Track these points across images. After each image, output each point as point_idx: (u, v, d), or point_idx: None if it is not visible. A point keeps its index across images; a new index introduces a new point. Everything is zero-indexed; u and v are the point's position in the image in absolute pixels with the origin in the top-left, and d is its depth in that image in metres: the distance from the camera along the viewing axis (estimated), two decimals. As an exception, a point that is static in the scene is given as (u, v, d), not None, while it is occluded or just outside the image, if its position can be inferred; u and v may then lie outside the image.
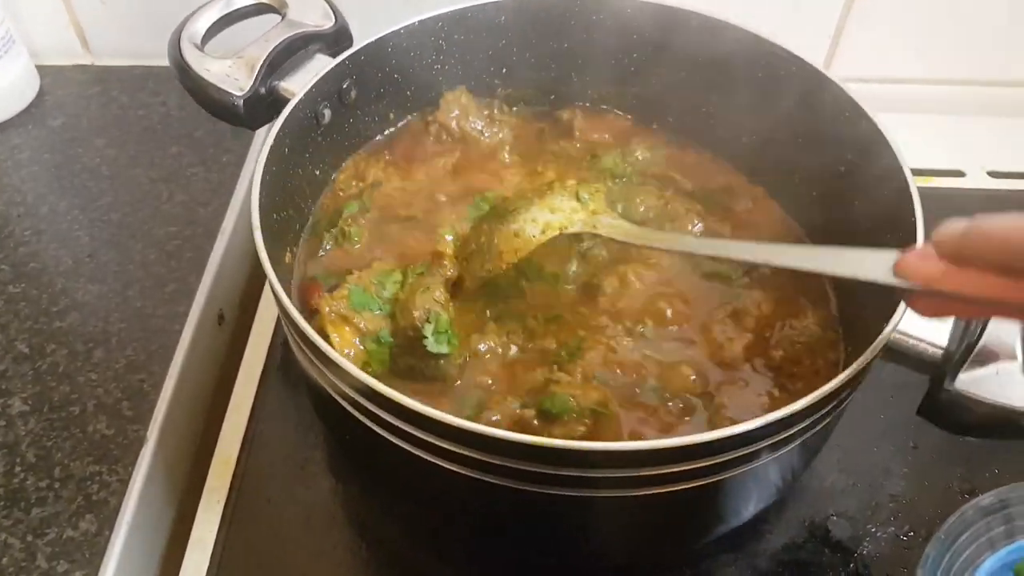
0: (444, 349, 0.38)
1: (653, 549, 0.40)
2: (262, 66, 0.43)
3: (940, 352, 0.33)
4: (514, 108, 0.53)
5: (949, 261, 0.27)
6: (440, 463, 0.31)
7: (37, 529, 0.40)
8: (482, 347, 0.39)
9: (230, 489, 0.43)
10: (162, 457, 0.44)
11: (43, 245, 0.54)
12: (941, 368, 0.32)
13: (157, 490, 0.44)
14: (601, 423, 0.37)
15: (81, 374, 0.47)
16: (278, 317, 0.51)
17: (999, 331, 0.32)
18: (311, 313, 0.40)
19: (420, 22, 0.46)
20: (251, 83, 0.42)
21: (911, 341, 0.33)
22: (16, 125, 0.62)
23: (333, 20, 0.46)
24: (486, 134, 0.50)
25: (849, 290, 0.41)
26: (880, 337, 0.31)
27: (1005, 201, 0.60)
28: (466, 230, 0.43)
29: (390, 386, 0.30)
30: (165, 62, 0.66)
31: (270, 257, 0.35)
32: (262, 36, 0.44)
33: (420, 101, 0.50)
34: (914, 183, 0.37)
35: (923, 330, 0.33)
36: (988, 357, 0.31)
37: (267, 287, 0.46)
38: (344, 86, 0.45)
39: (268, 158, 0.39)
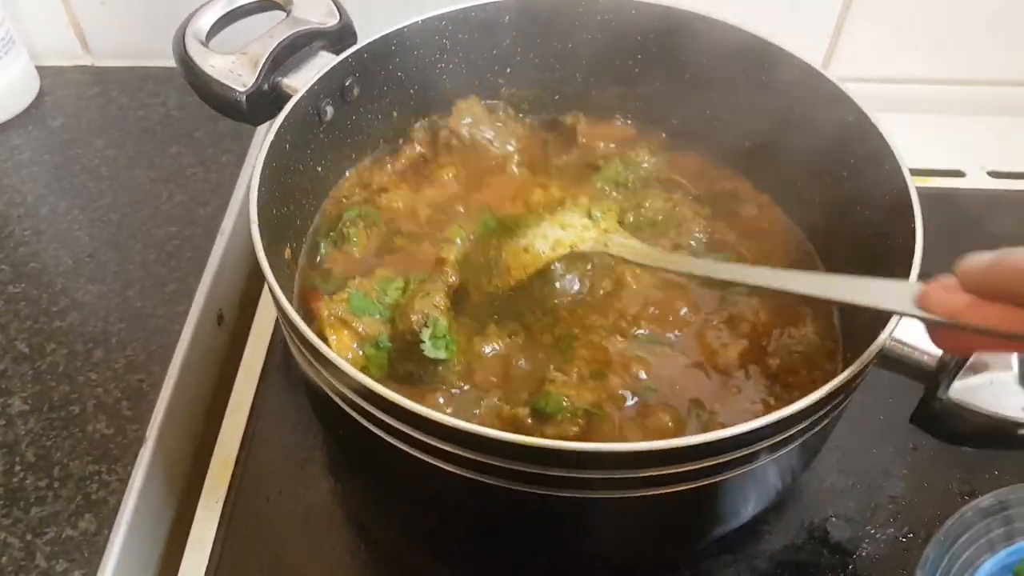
0: (442, 354, 0.38)
1: (652, 550, 0.40)
2: (265, 62, 0.43)
3: (935, 360, 0.33)
4: (520, 115, 0.53)
5: (974, 294, 0.26)
6: (437, 463, 0.31)
7: (36, 528, 0.40)
8: (487, 349, 0.39)
9: (229, 489, 0.43)
10: (161, 457, 0.44)
11: (43, 245, 0.54)
12: (935, 377, 0.32)
13: (156, 490, 0.44)
14: (595, 424, 0.37)
15: (81, 374, 0.47)
16: (277, 318, 0.51)
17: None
18: (311, 317, 0.40)
19: (424, 21, 0.47)
20: (254, 79, 0.42)
21: (906, 349, 0.33)
22: (16, 126, 0.62)
23: (337, 17, 0.46)
24: (495, 144, 0.50)
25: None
26: (876, 343, 0.31)
27: (1005, 201, 0.60)
28: (471, 242, 0.43)
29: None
30: (164, 63, 0.67)
31: (269, 252, 0.35)
32: (266, 32, 0.44)
33: (423, 99, 0.50)
34: (913, 184, 0.37)
35: (919, 338, 0.33)
36: (982, 367, 0.31)
37: (266, 287, 0.46)
38: (347, 83, 0.45)
39: (268, 154, 0.39)
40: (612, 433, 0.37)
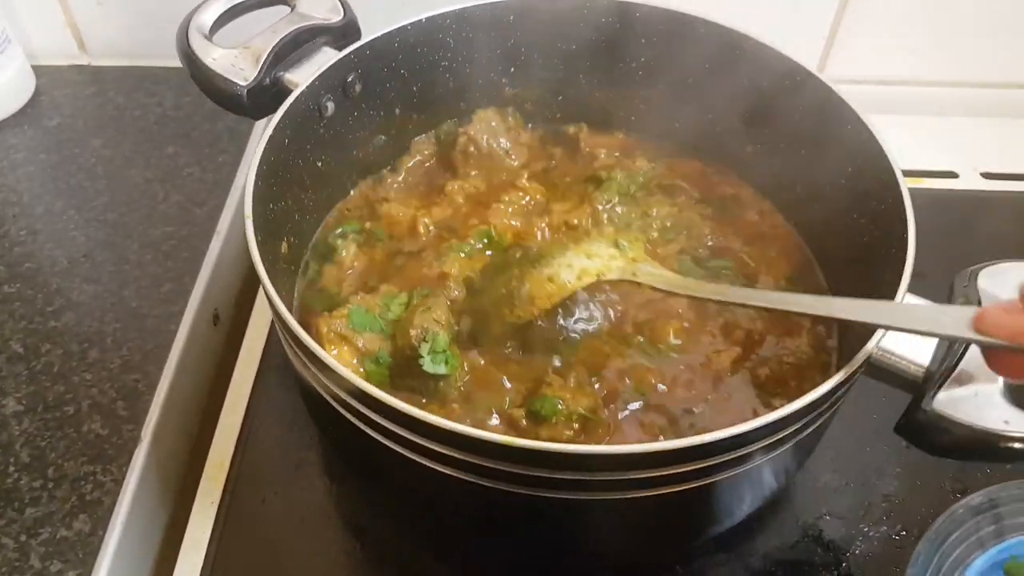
0: (442, 370, 0.37)
1: (647, 550, 0.40)
2: (268, 57, 0.43)
3: (922, 371, 0.33)
4: (529, 124, 0.52)
5: None
6: (431, 465, 0.31)
7: (31, 529, 0.40)
8: (482, 362, 0.38)
9: (224, 489, 0.43)
10: (156, 457, 0.44)
11: (38, 245, 0.54)
12: (921, 387, 0.32)
13: (151, 490, 0.44)
14: (589, 428, 0.37)
15: (76, 374, 0.47)
16: (273, 318, 0.51)
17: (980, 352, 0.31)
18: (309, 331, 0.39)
19: (428, 19, 0.46)
20: (256, 73, 0.42)
21: (893, 358, 0.33)
22: (12, 125, 0.62)
23: (342, 14, 0.46)
24: (513, 156, 0.50)
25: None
26: (863, 351, 0.31)
27: (998, 202, 0.60)
28: (489, 272, 0.42)
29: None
30: (162, 62, 0.67)
31: (264, 246, 0.35)
32: (269, 27, 0.44)
33: (426, 97, 0.50)
34: (906, 186, 0.37)
35: (906, 348, 0.33)
36: (968, 378, 0.31)
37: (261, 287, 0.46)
38: (349, 79, 0.45)
39: (267, 148, 0.39)
40: (607, 438, 0.37)
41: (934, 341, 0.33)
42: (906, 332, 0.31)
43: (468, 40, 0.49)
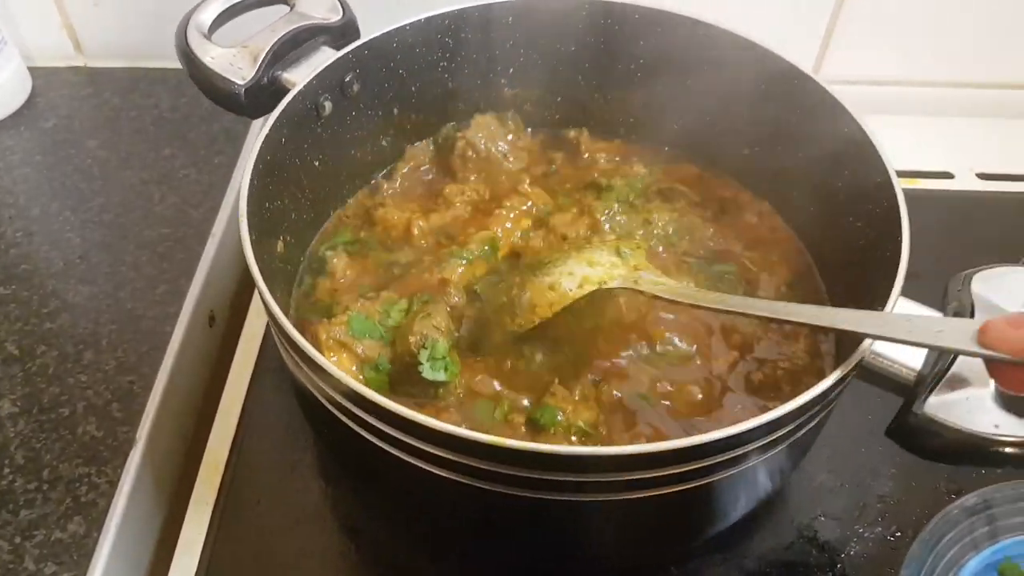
0: (441, 376, 0.37)
1: (643, 552, 0.40)
2: (266, 56, 0.43)
3: (913, 375, 0.33)
4: (528, 127, 0.52)
5: None
6: (425, 467, 0.31)
7: (25, 531, 0.40)
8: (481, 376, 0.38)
9: (219, 491, 0.43)
10: (151, 459, 0.44)
11: (34, 247, 0.54)
12: (913, 391, 0.32)
13: (146, 492, 0.44)
14: (589, 443, 0.36)
15: (71, 376, 0.46)
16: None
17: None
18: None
19: (427, 19, 0.46)
20: (254, 72, 0.42)
21: (885, 362, 0.33)
22: (8, 127, 0.62)
23: (341, 13, 0.46)
24: (512, 160, 0.50)
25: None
26: (855, 354, 0.31)
27: (993, 202, 0.61)
28: (490, 281, 0.42)
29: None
30: (158, 64, 0.67)
31: (259, 244, 0.35)
32: (268, 27, 0.44)
33: (425, 97, 0.50)
34: (900, 189, 0.37)
35: (899, 352, 0.33)
36: (959, 383, 0.31)
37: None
38: (347, 79, 0.45)
39: (263, 146, 0.39)
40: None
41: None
42: (908, 345, 0.31)
43: (467, 41, 0.49)
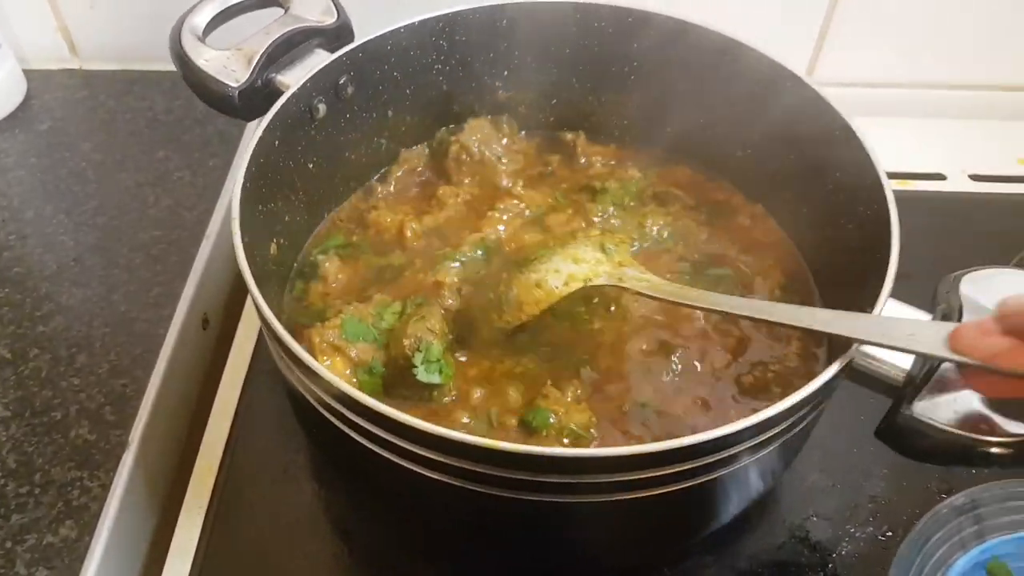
0: (436, 379, 0.37)
1: (635, 553, 0.40)
2: (260, 58, 0.43)
3: (903, 375, 0.33)
4: (523, 131, 0.52)
5: (1013, 336, 0.25)
6: (417, 470, 0.32)
7: (17, 535, 0.40)
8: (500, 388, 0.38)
9: (212, 494, 0.43)
10: (144, 462, 0.44)
11: (28, 249, 0.54)
12: (901, 392, 0.33)
13: (138, 496, 0.44)
14: (580, 446, 0.36)
15: (64, 379, 0.46)
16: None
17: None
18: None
19: (421, 22, 0.47)
20: (248, 75, 0.42)
21: (873, 363, 0.33)
22: (2, 129, 0.62)
23: (335, 16, 0.46)
24: (506, 163, 0.50)
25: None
26: (846, 355, 0.32)
27: (985, 204, 0.61)
28: (478, 276, 0.42)
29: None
30: (153, 66, 0.67)
31: (252, 247, 0.35)
32: (263, 29, 0.44)
33: (419, 100, 0.50)
34: (891, 191, 0.37)
35: (888, 353, 0.33)
36: (948, 384, 0.31)
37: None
38: (341, 82, 0.45)
39: (256, 148, 0.39)
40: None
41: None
42: (882, 347, 0.31)
43: (461, 43, 0.49)
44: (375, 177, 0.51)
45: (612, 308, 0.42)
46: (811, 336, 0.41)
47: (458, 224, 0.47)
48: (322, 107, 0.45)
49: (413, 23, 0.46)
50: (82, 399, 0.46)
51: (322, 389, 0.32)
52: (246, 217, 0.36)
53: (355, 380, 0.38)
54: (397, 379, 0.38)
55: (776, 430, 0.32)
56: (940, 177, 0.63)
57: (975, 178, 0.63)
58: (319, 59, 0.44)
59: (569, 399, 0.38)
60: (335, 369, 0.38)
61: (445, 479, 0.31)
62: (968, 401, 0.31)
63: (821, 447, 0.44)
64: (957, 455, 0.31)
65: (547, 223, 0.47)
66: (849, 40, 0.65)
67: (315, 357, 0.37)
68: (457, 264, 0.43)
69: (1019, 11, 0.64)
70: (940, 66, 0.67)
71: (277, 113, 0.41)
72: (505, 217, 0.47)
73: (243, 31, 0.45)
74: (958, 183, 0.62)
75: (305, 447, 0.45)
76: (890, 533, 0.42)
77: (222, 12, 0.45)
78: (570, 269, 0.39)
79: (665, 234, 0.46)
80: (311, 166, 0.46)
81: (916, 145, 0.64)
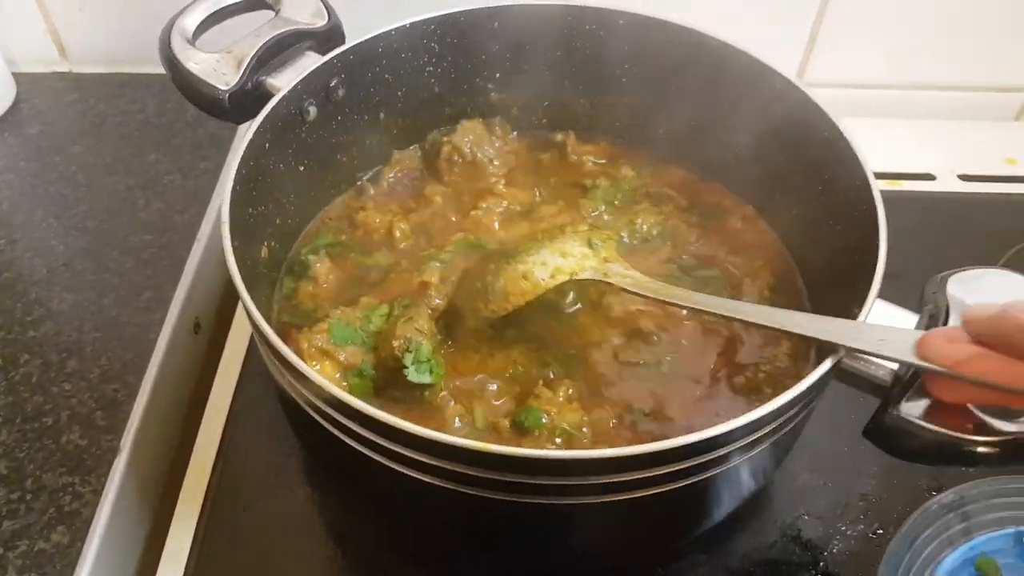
0: (426, 379, 0.37)
1: (627, 554, 0.40)
2: (250, 61, 0.43)
3: (890, 376, 0.33)
4: (515, 132, 0.52)
5: (979, 344, 0.26)
6: (408, 472, 0.32)
7: (8, 542, 0.40)
8: (492, 387, 0.38)
9: (205, 499, 0.43)
10: (136, 467, 0.44)
11: (17, 254, 0.53)
12: (889, 392, 0.33)
13: (130, 501, 0.43)
14: (573, 445, 0.37)
15: (55, 384, 0.46)
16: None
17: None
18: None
19: (412, 24, 0.47)
20: (238, 78, 0.42)
21: (861, 363, 0.33)
22: (-9, 133, 0.62)
23: (326, 18, 0.46)
24: (496, 162, 0.50)
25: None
26: (833, 355, 0.32)
27: (974, 204, 0.61)
28: (466, 266, 0.42)
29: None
30: (143, 69, 0.66)
31: (242, 250, 0.35)
32: (253, 32, 0.44)
33: (411, 102, 0.50)
34: (879, 192, 0.37)
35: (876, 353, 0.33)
36: None
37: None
38: (331, 84, 0.45)
39: (246, 151, 0.39)
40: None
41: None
42: (855, 352, 0.31)
43: (453, 45, 0.49)
44: (366, 177, 0.51)
45: (602, 307, 0.42)
46: (800, 337, 0.42)
47: (445, 224, 0.47)
48: (313, 110, 0.45)
49: (404, 25, 0.47)
50: (73, 404, 0.45)
51: (313, 393, 0.32)
52: (236, 221, 0.36)
53: (345, 383, 0.38)
54: (388, 381, 0.38)
55: (767, 429, 0.32)
56: (929, 177, 0.63)
57: (964, 178, 0.63)
58: (310, 61, 0.44)
59: (561, 399, 0.38)
60: (324, 373, 0.38)
61: (436, 482, 0.31)
62: (956, 401, 0.31)
63: (812, 446, 0.44)
64: (944, 454, 0.31)
65: (539, 214, 0.47)
66: (840, 41, 0.66)
67: (304, 361, 0.36)
68: (439, 265, 0.43)
69: (1009, 13, 0.64)
70: (930, 67, 0.68)
71: (267, 116, 0.41)
72: (489, 214, 0.47)
73: (233, 34, 0.45)
74: (947, 183, 0.63)
75: (297, 451, 0.45)
76: (880, 531, 0.42)
77: (212, 15, 0.45)
78: (557, 262, 0.39)
79: (655, 232, 0.46)
80: (302, 168, 0.46)
81: (906, 146, 0.64)
